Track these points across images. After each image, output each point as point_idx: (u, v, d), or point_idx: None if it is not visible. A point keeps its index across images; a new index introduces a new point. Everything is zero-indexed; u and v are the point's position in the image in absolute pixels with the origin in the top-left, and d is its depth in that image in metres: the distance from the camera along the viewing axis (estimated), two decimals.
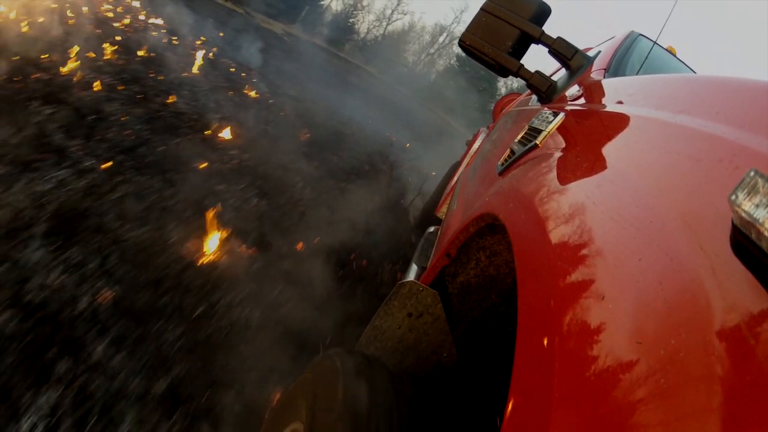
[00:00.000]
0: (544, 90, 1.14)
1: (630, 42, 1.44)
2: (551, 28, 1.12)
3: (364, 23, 27.31)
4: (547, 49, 1.14)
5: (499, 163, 1.01)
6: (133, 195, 2.04)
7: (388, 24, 27.63)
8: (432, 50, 27.79)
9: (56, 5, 4.59)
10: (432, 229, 2.01)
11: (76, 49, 3.37)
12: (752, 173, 0.24)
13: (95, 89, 2.95)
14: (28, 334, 1.20)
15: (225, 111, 3.85)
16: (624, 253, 0.34)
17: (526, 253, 0.45)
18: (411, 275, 1.37)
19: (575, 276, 0.35)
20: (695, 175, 0.37)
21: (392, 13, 27.49)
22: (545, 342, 0.32)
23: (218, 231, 2.02)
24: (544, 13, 1.10)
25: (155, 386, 1.23)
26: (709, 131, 0.42)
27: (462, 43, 1.13)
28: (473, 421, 0.67)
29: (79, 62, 3.21)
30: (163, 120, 3.06)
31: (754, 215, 0.23)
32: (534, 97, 1.62)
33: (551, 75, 1.28)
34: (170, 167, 2.45)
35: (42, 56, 3.07)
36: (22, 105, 2.37)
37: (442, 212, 2.70)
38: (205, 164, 2.70)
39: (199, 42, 6.99)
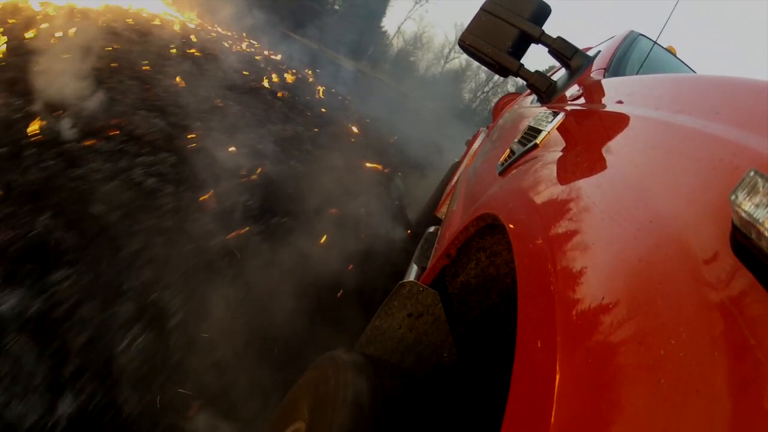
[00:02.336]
0: (544, 90, 1.14)
1: (630, 42, 1.44)
2: (551, 28, 1.12)
3: (424, 61, 29.84)
4: (547, 49, 1.14)
5: (499, 163, 1.01)
6: (331, 143, 4.56)
7: (445, 62, 29.47)
8: (487, 88, 28.73)
9: (212, 36, 8.29)
10: (432, 229, 2.01)
11: (257, 73, 6.33)
12: (752, 173, 0.24)
13: (285, 96, 5.73)
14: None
15: (348, 118, 7.07)
16: (624, 253, 0.34)
17: (526, 253, 0.45)
18: (411, 275, 1.37)
19: (575, 276, 0.35)
20: (695, 175, 0.37)
21: (450, 51, 28.85)
22: (545, 342, 0.32)
23: (370, 162, 4.61)
24: (544, 12, 1.10)
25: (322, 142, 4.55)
26: (709, 131, 0.42)
27: (462, 43, 1.13)
28: (473, 421, 0.67)
29: (267, 80, 6.10)
30: (325, 119, 5.97)
31: (754, 215, 0.23)
32: (534, 96, 1.62)
33: (551, 75, 1.28)
34: (339, 136, 5.25)
35: (244, 72, 5.82)
36: (260, 95, 5.04)
37: (442, 212, 2.70)
38: (353, 139, 5.70)
39: (309, 74, 10.54)
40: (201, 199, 2.20)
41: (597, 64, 1.19)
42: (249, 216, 2.24)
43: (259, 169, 2.90)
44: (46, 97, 2.33)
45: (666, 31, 1.22)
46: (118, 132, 2.41)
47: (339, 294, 1.97)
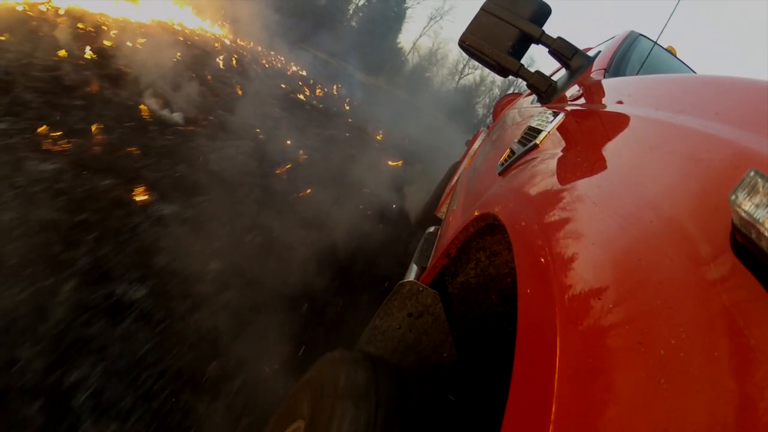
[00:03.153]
0: (544, 90, 1.14)
1: (630, 42, 1.44)
2: (551, 28, 1.12)
3: (438, 77, 31.63)
4: (547, 49, 1.14)
5: (499, 163, 1.01)
6: (359, 144, 6.15)
7: (460, 78, 30.86)
8: None
9: (248, 52, 10.34)
10: (432, 229, 2.01)
11: (292, 86, 8.03)
12: (752, 173, 0.24)
13: (320, 107, 7.45)
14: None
15: (371, 126, 8.50)
16: (623, 254, 0.34)
17: (526, 253, 0.45)
18: (411, 275, 1.37)
19: (575, 276, 0.35)
20: (695, 175, 0.37)
21: (464, 67, 29.96)
22: (545, 342, 0.32)
23: (390, 159, 5.80)
24: (544, 13, 1.10)
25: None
26: (709, 131, 0.42)
27: (462, 44, 1.13)
28: (473, 421, 0.67)
29: (301, 93, 7.94)
30: (352, 125, 7.42)
31: (754, 215, 0.23)
32: (534, 97, 1.62)
33: (551, 75, 1.28)
34: (364, 139, 6.86)
35: (282, 85, 7.53)
36: (298, 104, 6.76)
37: (442, 212, 2.70)
38: (376, 144, 6.95)
39: (334, 88, 12.34)
40: (277, 171, 3.31)
41: (597, 64, 1.19)
42: (309, 184, 3.31)
43: (311, 156, 4.13)
44: (146, 92, 3.34)
45: (666, 31, 1.22)
46: (207, 123, 3.56)
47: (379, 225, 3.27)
